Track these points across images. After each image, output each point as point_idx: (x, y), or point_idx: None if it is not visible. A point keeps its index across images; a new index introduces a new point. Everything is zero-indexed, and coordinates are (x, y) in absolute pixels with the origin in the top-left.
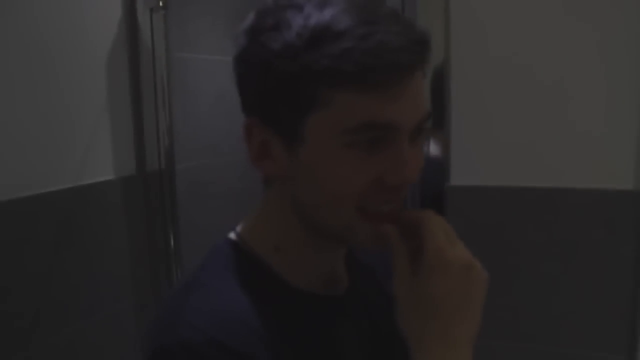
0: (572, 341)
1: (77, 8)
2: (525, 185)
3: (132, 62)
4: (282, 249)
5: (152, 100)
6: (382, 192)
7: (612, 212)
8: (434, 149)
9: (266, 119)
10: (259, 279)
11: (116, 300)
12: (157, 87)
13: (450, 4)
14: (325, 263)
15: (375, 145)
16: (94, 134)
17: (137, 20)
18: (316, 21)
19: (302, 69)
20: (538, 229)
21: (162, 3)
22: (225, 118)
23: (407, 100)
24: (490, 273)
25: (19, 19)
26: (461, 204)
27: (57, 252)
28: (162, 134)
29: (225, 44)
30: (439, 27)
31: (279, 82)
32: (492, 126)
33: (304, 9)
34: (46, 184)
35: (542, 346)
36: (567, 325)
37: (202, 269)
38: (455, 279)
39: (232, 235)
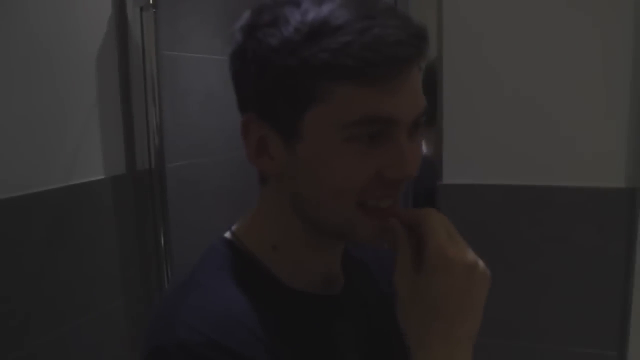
0: (564, 338)
1: (68, 6)
2: (517, 184)
3: (122, 60)
4: (279, 248)
5: (142, 99)
6: (382, 187)
7: (603, 209)
8: (425, 147)
9: (264, 115)
10: (256, 279)
11: (107, 298)
12: (147, 86)
13: (443, 1)
14: (323, 262)
15: (376, 139)
16: (84, 133)
17: (127, 19)
18: (314, 16)
19: (301, 63)
20: (530, 227)
21: (152, 1)
22: (215, 117)
23: (406, 94)
24: None
25: (8, 16)
26: (453, 202)
27: (49, 251)
28: (152, 133)
29: (215, 43)
30: (431, 24)
31: (276, 78)
32: (484, 124)
33: (302, 5)
34: (37, 183)
35: (535, 343)
36: (559, 322)
37: (198, 268)
38: (458, 278)
39: (227, 235)
